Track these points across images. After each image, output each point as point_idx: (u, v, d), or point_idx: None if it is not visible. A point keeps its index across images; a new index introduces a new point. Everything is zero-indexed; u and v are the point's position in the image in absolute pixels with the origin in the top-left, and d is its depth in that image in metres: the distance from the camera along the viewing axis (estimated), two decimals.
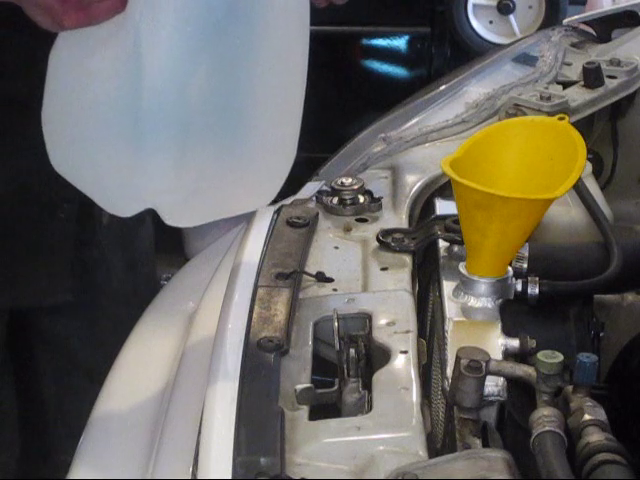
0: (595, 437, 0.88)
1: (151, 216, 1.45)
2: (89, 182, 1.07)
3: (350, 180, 1.42)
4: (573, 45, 1.92)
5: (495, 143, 1.18)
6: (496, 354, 1.02)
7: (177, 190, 1.04)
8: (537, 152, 1.16)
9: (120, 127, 1.00)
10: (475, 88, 1.71)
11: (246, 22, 0.99)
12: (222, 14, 0.98)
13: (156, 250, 1.68)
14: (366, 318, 1.15)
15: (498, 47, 2.09)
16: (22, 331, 1.52)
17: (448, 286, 1.16)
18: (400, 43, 5.42)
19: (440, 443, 1.03)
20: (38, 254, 1.41)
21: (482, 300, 1.13)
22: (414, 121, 1.62)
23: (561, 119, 1.17)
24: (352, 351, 1.08)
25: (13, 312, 1.48)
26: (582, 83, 1.67)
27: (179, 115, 1.00)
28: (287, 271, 1.20)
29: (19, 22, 1.05)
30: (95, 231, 1.48)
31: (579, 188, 1.37)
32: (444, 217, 1.30)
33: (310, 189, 1.43)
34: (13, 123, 1.33)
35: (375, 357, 1.10)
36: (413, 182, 1.46)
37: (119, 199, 1.07)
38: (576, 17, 2.02)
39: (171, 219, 1.07)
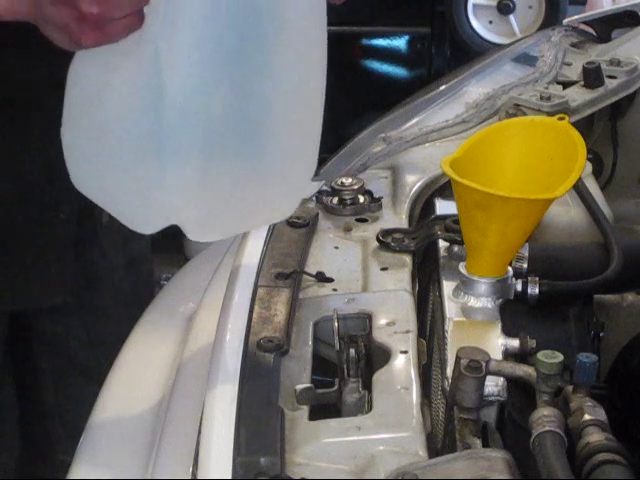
0: (595, 437, 0.88)
1: None
2: (110, 199, 1.07)
3: (350, 180, 1.42)
4: (573, 45, 1.92)
5: (495, 143, 1.18)
6: (496, 354, 1.02)
7: (200, 205, 1.03)
8: (537, 152, 1.16)
9: (141, 143, 1.00)
10: (475, 88, 1.71)
11: (265, 37, 0.99)
12: (242, 30, 0.97)
13: (156, 250, 1.68)
14: (366, 318, 1.15)
15: (498, 47, 2.10)
16: (21, 331, 1.52)
17: (448, 286, 1.16)
18: (400, 43, 5.42)
19: (440, 443, 1.03)
20: (39, 255, 1.41)
21: (482, 300, 1.13)
22: (414, 121, 1.62)
23: (561, 119, 1.17)
24: (352, 351, 1.08)
25: (13, 312, 1.48)
26: (582, 83, 1.67)
27: (200, 130, 0.99)
28: (287, 271, 1.20)
29: (17, 24, 1.05)
30: (95, 231, 1.48)
31: (579, 188, 1.37)
32: (444, 217, 1.30)
33: None
34: (14, 124, 1.32)
35: (375, 357, 1.10)
36: (413, 182, 1.46)
37: (141, 216, 1.07)
38: (576, 17, 2.02)
39: (194, 234, 1.07)
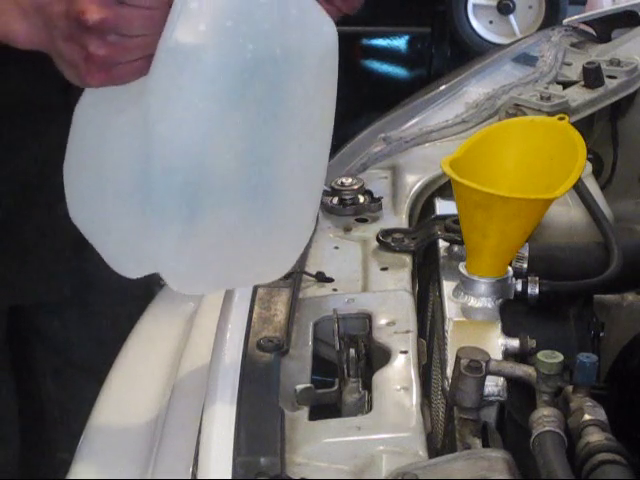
0: (595, 437, 0.88)
1: None
2: (100, 238, 1.06)
3: (350, 180, 1.42)
4: (573, 45, 1.92)
5: (495, 143, 1.18)
6: (496, 354, 1.02)
7: (183, 259, 1.02)
8: (537, 152, 1.16)
9: (132, 190, 0.99)
10: (475, 88, 1.71)
11: (274, 94, 0.97)
12: (246, 89, 0.96)
13: None
14: (366, 318, 1.15)
15: (498, 47, 2.09)
16: (21, 329, 1.52)
17: (448, 286, 1.16)
18: (400, 43, 5.42)
19: (440, 443, 1.03)
20: (37, 251, 1.41)
21: (482, 300, 1.13)
22: (414, 121, 1.62)
23: (561, 119, 1.17)
24: (352, 351, 1.08)
25: (12, 310, 1.48)
26: (582, 83, 1.67)
27: (192, 185, 0.98)
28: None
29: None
30: None
31: (579, 188, 1.37)
32: (444, 217, 1.30)
33: None
34: (12, 123, 1.33)
35: (375, 357, 1.10)
36: (413, 182, 1.46)
37: (126, 260, 1.07)
38: (576, 17, 2.02)
39: (176, 285, 1.06)
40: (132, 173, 0.99)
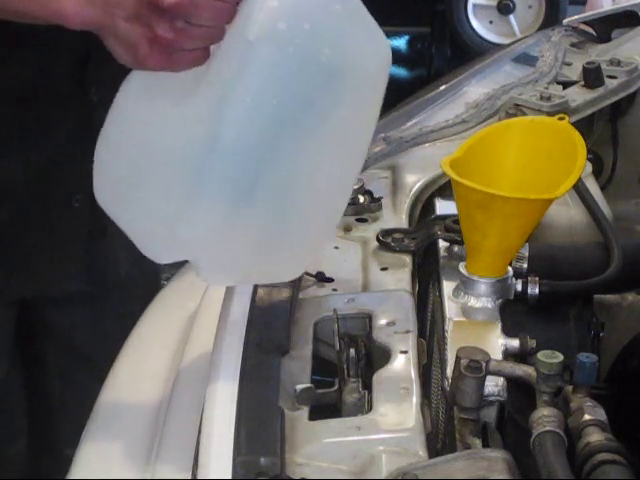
0: (595, 437, 0.88)
1: None
2: (130, 221, 1.07)
3: None
4: (573, 45, 1.92)
5: (495, 143, 1.18)
6: (496, 354, 1.02)
7: (219, 249, 1.04)
8: (537, 152, 1.16)
9: (178, 175, 1.01)
10: (475, 88, 1.71)
11: (331, 101, 1.00)
12: (302, 100, 0.98)
13: None
14: (366, 318, 1.15)
15: (498, 47, 2.09)
16: (29, 324, 1.52)
17: (448, 286, 1.16)
18: (400, 43, 5.42)
19: (440, 443, 1.03)
20: (51, 242, 1.41)
21: (482, 300, 1.13)
22: (414, 121, 1.62)
23: (561, 119, 1.17)
24: (352, 351, 1.08)
25: (21, 304, 1.48)
26: (582, 83, 1.67)
27: (241, 181, 1.00)
28: None
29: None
30: (105, 224, 1.49)
31: (579, 188, 1.37)
32: (444, 217, 1.30)
33: None
34: (26, 114, 1.33)
35: (375, 357, 1.10)
36: (413, 182, 1.46)
37: (158, 245, 1.08)
38: (576, 17, 2.02)
39: (204, 274, 1.08)
40: (183, 159, 1.00)
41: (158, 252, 1.09)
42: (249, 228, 1.03)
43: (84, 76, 1.35)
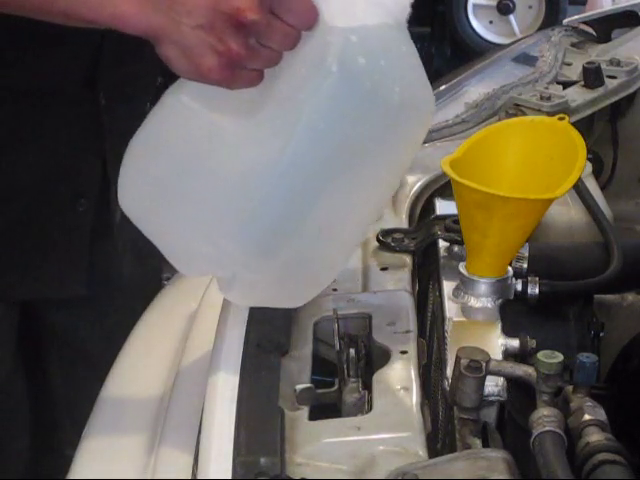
0: (595, 437, 0.88)
1: None
2: (161, 232, 1.06)
3: None
4: (573, 45, 1.92)
5: (495, 143, 1.18)
6: (496, 354, 1.02)
7: (253, 270, 1.04)
8: (537, 152, 1.16)
9: (226, 192, 1.00)
10: (475, 88, 1.71)
11: (381, 150, 1.02)
12: (382, 126, 1.00)
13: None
14: (366, 318, 1.15)
15: (498, 47, 2.09)
16: (32, 323, 1.53)
17: (448, 286, 1.16)
18: None
19: (440, 443, 1.03)
20: (55, 245, 1.41)
21: (482, 300, 1.13)
22: None
23: (561, 119, 1.17)
24: (352, 351, 1.08)
25: (24, 304, 1.48)
26: (582, 83, 1.67)
27: (298, 208, 1.01)
28: None
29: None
30: (110, 226, 1.49)
31: (579, 188, 1.37)
32: (444, 217, 1.30)
33: None
34: (35, 115, 1.33)
35: (375, 357, 1.10)
36: (413, 182, 1.46)
37: (190, 258, 1.07)
38: (576, 17, 2.02)
39: (229, 292, 1.09)
40: (232, 177, 0.99)
41: (187, 265, 1.09)
42: (290, 257, 1.03)
43: (94, 80, 1.34)
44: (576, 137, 1.14)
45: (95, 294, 1.48)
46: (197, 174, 1.01)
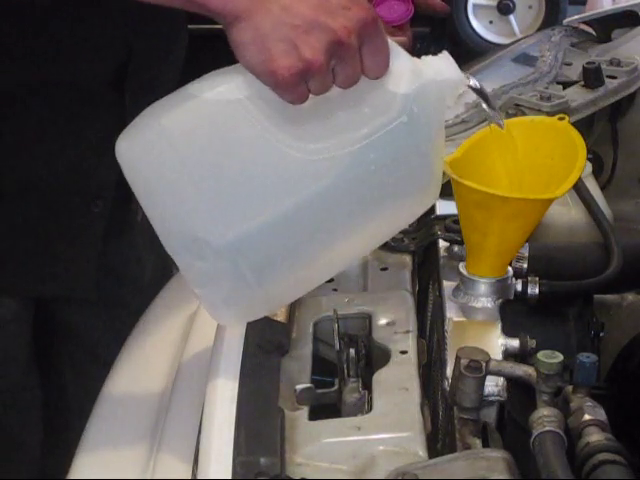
0: (595, 437, 0.88)
1: None
2: (163, 209, 1.04)
3: None
4: (573, 45, 1.92)
5: (495, 143, 1.17)
6: (496, 354, 1.02)
7: (250, 297, 1.04)
8: (537, 152, 1.16)
9: (243, 197, 0.99)
10: None
11: (378, 211, 1.05)
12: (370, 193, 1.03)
13: None
14: (366, 318, 1.15)
15: (498, 47, 2.09)
16: (45, 324, 1.53)
17: (448, 286, 1.16)
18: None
19: (440, 443, 1.03)
20: (69, 245, 1.42)
21: (482, 300, 1.12)
22: None
23: (561, 119, 1.17)
24: (352, 351, 1.08)
25: (37, 302, 1.48)
26: (582, 83, 1.67)
27: (320, 234, 1.02)
28: None
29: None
30: (129, 225, 1.49)
31: (579, 188, 1.37)
32: (444, 217, 1.30)
33: None
34: (61, 117, 1.33)
35: (375, 357, 1.10)
36: None
37: (168, 236, 1.06)
38: (576, 17, 2.01)
39: (217, 315, 1.08)
40: (253, 183, 0.99)
41: (170, 240, 1.07)
42: (277, 286, 1.04)
43: (122, 81, 1.34)
44: (576, 137, 1.14)
45: (108, 295, 1.49)
46: (222, 169, 0.99)
